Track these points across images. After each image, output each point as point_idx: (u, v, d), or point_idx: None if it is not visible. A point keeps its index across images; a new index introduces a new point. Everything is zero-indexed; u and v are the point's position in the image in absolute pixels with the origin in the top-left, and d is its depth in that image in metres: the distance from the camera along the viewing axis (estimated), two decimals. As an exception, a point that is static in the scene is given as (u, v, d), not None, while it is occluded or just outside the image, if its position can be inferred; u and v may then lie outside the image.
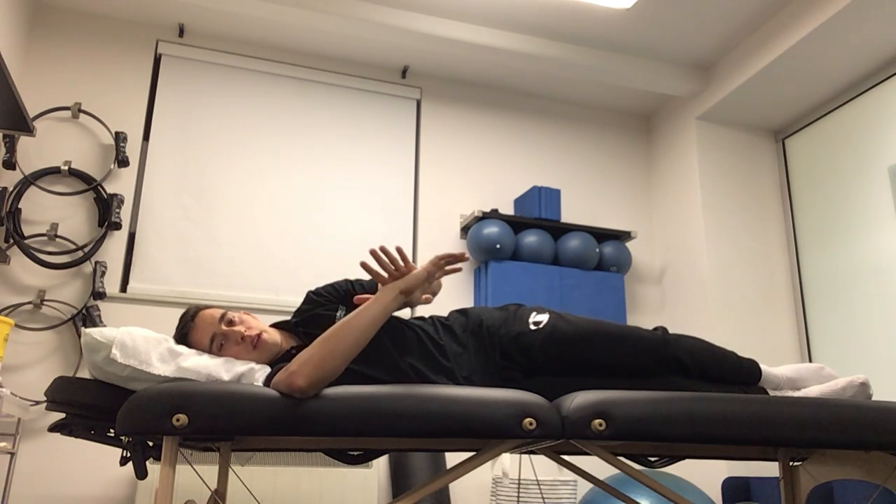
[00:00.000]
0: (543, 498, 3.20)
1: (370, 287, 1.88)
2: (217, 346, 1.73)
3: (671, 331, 2.31)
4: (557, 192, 4.03)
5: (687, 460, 3.87)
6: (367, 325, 1.50)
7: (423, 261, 3.96)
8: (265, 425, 1.42)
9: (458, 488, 3.61)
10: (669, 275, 4.31)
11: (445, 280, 3.98)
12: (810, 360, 3.97)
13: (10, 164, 3.30)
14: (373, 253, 1.50)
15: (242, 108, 3.89)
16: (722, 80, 4.07)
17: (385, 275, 1.51)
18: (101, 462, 3.19)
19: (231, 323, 1.75)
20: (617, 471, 3.05)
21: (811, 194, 4.12)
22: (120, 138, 3.54)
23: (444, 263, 1.53)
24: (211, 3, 3.48)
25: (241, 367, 1.67)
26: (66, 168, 3.45)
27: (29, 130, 3.08)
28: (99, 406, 1.58)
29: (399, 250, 1.52)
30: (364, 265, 1.50)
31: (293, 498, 3.12)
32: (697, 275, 4.08)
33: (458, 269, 1.55)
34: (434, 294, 1.67)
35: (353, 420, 1.44)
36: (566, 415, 1.52)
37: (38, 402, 3.16)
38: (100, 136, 3.61)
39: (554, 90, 4.43)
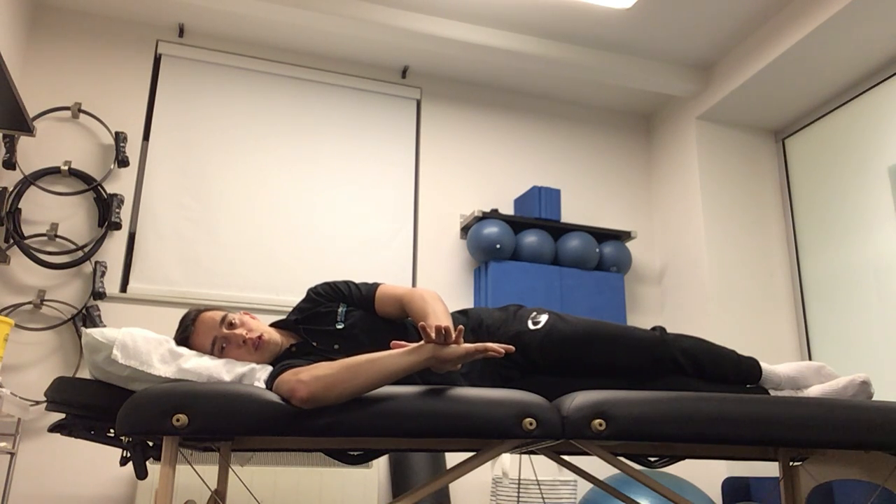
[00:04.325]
0: (543, 498, 3.20)
1: (367, 293, 1.88)
2: (219, 349, 1.73)
3: (671, 331, 2.31)
4: (557, 192, 4.03)
5: (687, 460, 3.87)
6: (388, 374, 1.48)
7: (423, 261, 3.96)
8: (265, 425, 1.42)
9: (458, 488, 3.61)
10: (669, 275, 4.31)
11: (445, 280, 3.98)
12: (810, 360, 3.97)
13: (10, 164, 3.30)
14: (437, 328, 1.50)
15: (242, 108, 3.89)
16: (722, 80, 4.07)
17: (433, 336, 1.51)
18: (101, 462, 3.19)
19: (232, 326, 1.75)
20: (617, 471, 3.05)
21: (811, 194, 4.12)
22: (120, 138, 3.54)
23: (488, 351, 1.52)
24: (211, 3, 3.48)
25: (241, 367, 1.67)
26: (66, 168, 3.45)
27: (29, 130, 3.08)
28: (99, 406, 1.58)
29: (459, 331, 1.52)
30: (422, 326, 1.50)
31: (293, 498, 3.12)
32: (697, 275, 4.08)
33: (500, 356, 1.54)
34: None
35: (352, 420, 1.44)
36: (566, 415, 1.53)
37: (38, 402, 3.16)
38: (100, 136, 3.61)
39: (554, 90, 4.43)
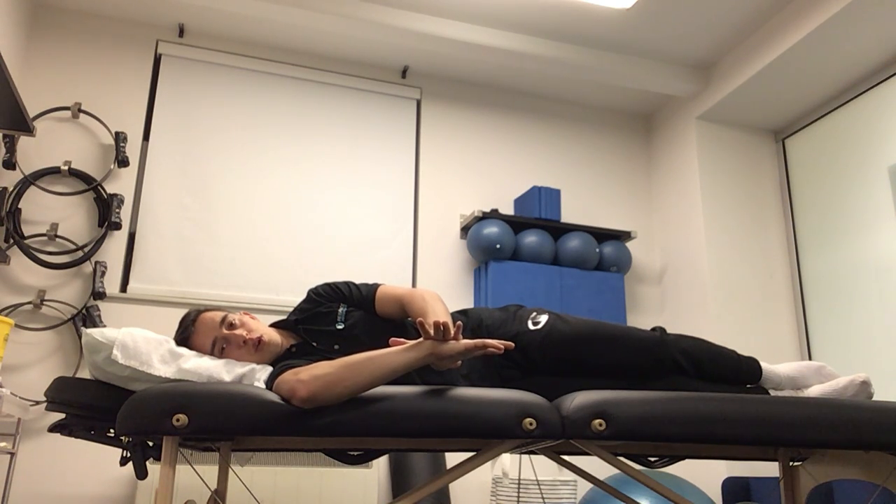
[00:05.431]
0: (543, 498, 3.20)
1: (367, 293, 1.88)
2: (219, 349, 1.73)
3: (671, 331, 2.31)
4: (557, 192, 4.03)
5: (687, 460, 3.87)
6: (388, 371, 1.48)
7: (423, 261, 3.96)
8: (265, 425, 1.42)
9: (458, 488, 3.61)
10: (669, 275, 4.31)
11: (445, 280, 3.98)
12: (810, 360, 3.97)
13: (10, 164, 3.30)
14: (434, 324, 1.50)
15: (242, 108, 3.89)
16: (722, 80, 4.07)
17: (431, 332, 1.51)
18: (101, 462, 3.19)
19: (232, 326, 1.75)
20: (617, 471, 3.05)
21: (811, 194, 4.12)
22: (120, 138, 3.54)
23: (487, 347, 1.52)
24: (211, 3, 3.48)
25: (241, 368, 1.67)
26: (66, 168, 3.45)
27: (29, 130, 3.08)
28: (99, 406, 1.58)
29: (457, 327, 1.52)
30: (420, 323, 1.50)
31: (293, 498, 3.12)
32: (697, 275, 4.08)
33: (499, 352, 1.54)
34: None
35: (352, 420, 1.44)
36: (566, 415, 1.53)
37: (38, 402, 3.16)
38: (100, 136, 3.61)
39: (554, 90, 4.43)
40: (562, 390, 1.68)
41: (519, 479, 3.27)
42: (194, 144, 3.75)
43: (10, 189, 3.35)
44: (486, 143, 4.29)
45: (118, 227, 3.44)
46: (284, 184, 3.84)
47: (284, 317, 1.91)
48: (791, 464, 2.20)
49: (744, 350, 3.82)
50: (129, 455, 1.67)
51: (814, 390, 1.88)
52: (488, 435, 1.49)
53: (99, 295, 3.31)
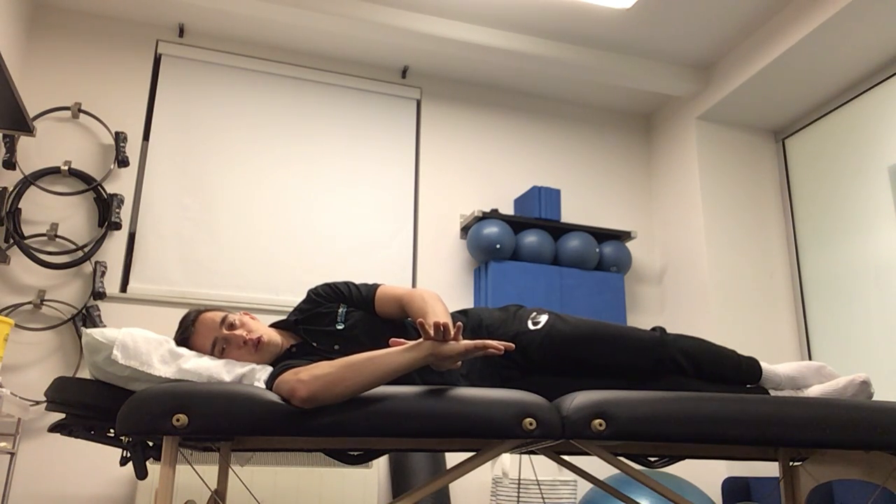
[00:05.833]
0: (543, 498, 3.20)
1: (367, 294, 1.88)
2: (219, 350, 1.73)
3: (671, 331, 2.31)
4: (557, 192, 4.03)
5: (687, 460, 3.87)
6: (388, 372, 1.48)
7: (423, 261, 3.96)
8: (265, 425, 1.42)
9: (458, 488, 3.61)
10: (669, 275, 4.31)
11: (446, 280, 3.98)
12: (810, 360, 3.97)
13: (10, 164, 3.30)
14: (435, 325, 1.50)
15: (242, 108, 3.89)
16: (722, 80, 4.07)
17: (432, 333, 1.51)
18: (101, 462, 3.19)
19: (232, 326, 1.75)
20: (617, 471, 3.05)
21: (811, 194, 4.12)
22: (120, 138, 3.54)
23: (487, 348, 1.52)
24: (211, 3, 3.48)
25: (241, 368, 1.67)
26: (66, 168, 3.45)
27: (29, 130, 3.08)
28: (99, 406, 1.58)
29: (458, 328, 1.52)
30: (420, 323, 1.50)
31: (293, 498, 3.12)
32: (697, 275, 4.08)
33: (500, 353, 1.53)
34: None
35: (352, 420, 1.44)
36: (566, 415, 1.53)
37: (38, 402, 3.16)
38: (100, 136, 3.61)
39: (554, 90, 4.43)
40: (562, 390, 1.68)
41: (519, 479, 3.27)
42: (194, 144, 3.75)
43: (10, 189, 3.35)
44: (486, 143, 4.29)
45: (118, 227, 3.44)
46: (284, 184, 3.84)
47: (284, 317, 1.91)
48: (791, 464, 2.20)
49: (744, 350, 3.82)
50: (129, 455, 1.67)
51: (814, 390, 1.88)
52: (488, 435, 1.49)
53: (99, 295, 3.31)
